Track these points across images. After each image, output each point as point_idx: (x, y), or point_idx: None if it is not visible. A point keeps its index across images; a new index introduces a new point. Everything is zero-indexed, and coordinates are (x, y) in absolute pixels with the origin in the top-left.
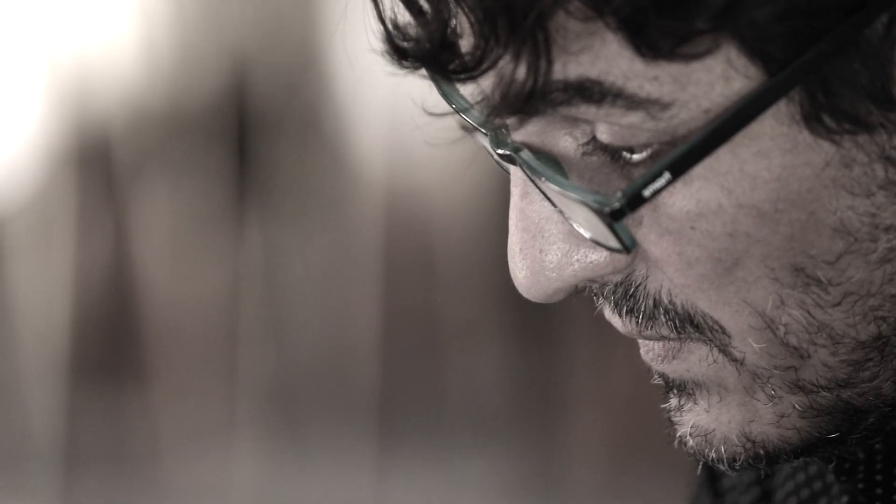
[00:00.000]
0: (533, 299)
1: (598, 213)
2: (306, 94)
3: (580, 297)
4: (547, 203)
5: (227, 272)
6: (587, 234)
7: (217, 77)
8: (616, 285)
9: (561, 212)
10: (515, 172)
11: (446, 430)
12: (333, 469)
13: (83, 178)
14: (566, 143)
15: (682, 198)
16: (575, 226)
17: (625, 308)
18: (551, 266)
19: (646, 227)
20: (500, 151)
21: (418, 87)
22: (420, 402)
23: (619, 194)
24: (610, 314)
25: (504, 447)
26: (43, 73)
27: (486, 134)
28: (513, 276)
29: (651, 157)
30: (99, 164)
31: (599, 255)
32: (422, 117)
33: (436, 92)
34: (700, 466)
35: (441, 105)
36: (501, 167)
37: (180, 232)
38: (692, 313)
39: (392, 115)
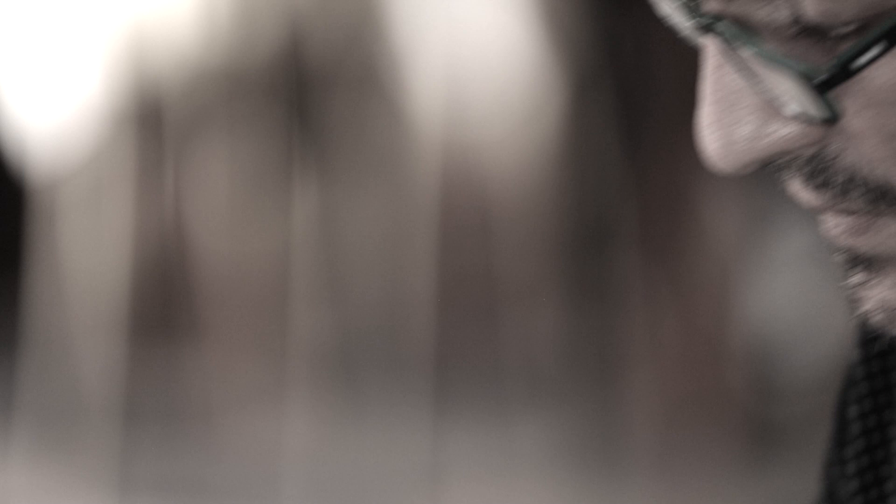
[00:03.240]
0: (722, 172)
1: (801, 83)
2: (363, 53)
3: (635, 257)
4: (741, 75)
5: (282, 231)
6: (786, 106)
7: (273, 36)
8: (809, 159)
9: (757, 83)
10: (709, 43)
11: (502, 391)
12: (388, 430)
13: (140, 137)
14: (766, 12)
15: (890, 70)
16: (772, 97)
17: (817, 182)
18: (744, 139)
19: (847, 99)
20: (695, 21)
21: (475, 46)
22: (475, 362)
23: (823, 66)
24: (799, 188)
25: (559, 407)
26: (100, 33)
27: (676, 3)
28: (704, 149)
29: (857, 31)
30: (156, 124)
31: (794, 128)
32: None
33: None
34: (863, 344)
35: None
36: (692, 41)
37: (236, 191)
38: (889, 188)
39: (449, 74)
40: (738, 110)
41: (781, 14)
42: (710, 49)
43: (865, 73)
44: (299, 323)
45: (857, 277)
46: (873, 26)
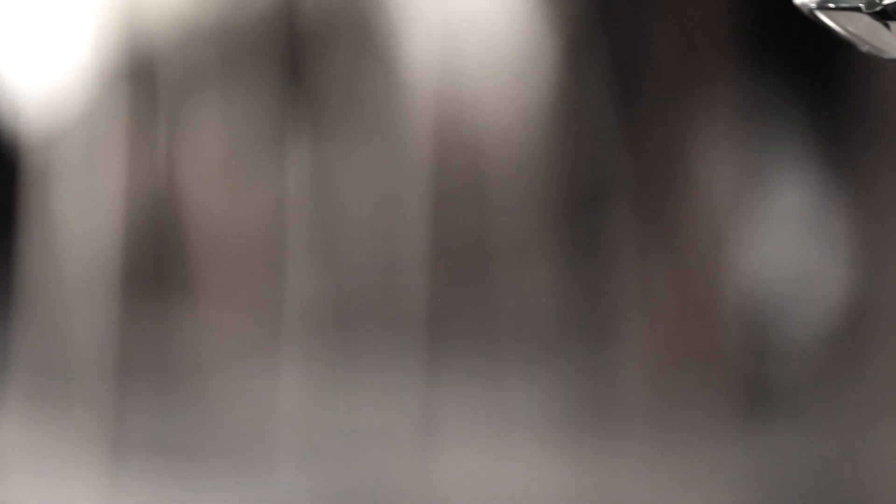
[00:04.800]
0: None
1: None
2: (356, 11)
3: (629, 216)
4: None
5: (276, 189)
6: None
7: None
8: None
9: None
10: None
11: (494, 348)
12: (381, 388)
13: (133, 95)
14: None
15: None
16: None
17: None
18: None
19: None
20: (882, 20)
21: (469, 3)
22: (468, 321)
23: None
24: None
25: (552, 365)
26: None
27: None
28: None
29: None
30: (148, 82)
31: None
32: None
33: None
34: None
35: None
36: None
37: (229, 149)
38: None
39: (443, 32)
40: None
41: None
42: None
43: None
44: (293, 281)
45: None
46: None
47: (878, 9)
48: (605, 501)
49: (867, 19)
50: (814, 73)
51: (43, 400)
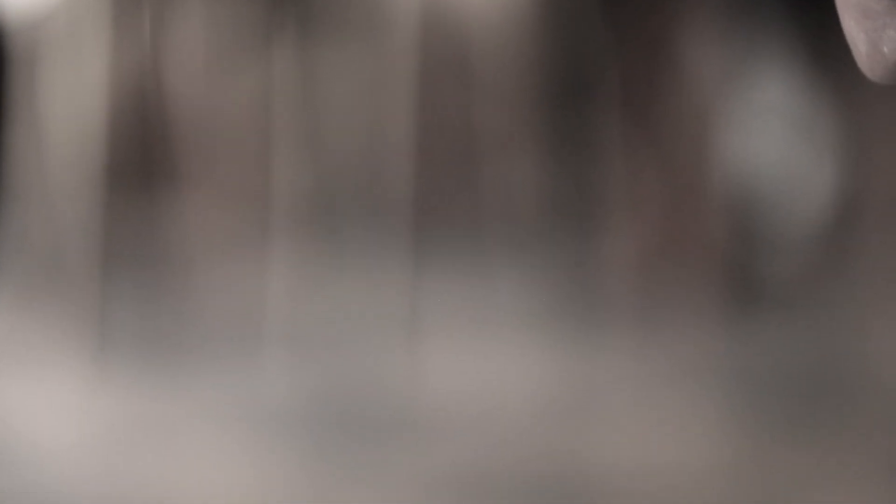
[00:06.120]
0: (879, 81)
1: None
2: None
3: (615, 106)
4: None
5: (262, 81)
6: None
7: None
8: None
9: None
10: None
11: (480, 241)
12: (367, 277)
13: None
14: None
15: None
16: None
17: None
18: (891, 41)
19: None
20: None
21: None
22: (454, 212)
23: None
24: None
25: (538, 258)
26: None
27: None
28: (859, 63)
29: None
30: None
31: None
32: None
33: None
34: None
35: None
36: None
37: (216, 40)
38: None
39: None
40: (877, 17)
41: None
42: None
43: None
44: (279, 173)
45: None
46: None
47: None
48: (591, 392)
49: None
50: None
51: (29, 291)
